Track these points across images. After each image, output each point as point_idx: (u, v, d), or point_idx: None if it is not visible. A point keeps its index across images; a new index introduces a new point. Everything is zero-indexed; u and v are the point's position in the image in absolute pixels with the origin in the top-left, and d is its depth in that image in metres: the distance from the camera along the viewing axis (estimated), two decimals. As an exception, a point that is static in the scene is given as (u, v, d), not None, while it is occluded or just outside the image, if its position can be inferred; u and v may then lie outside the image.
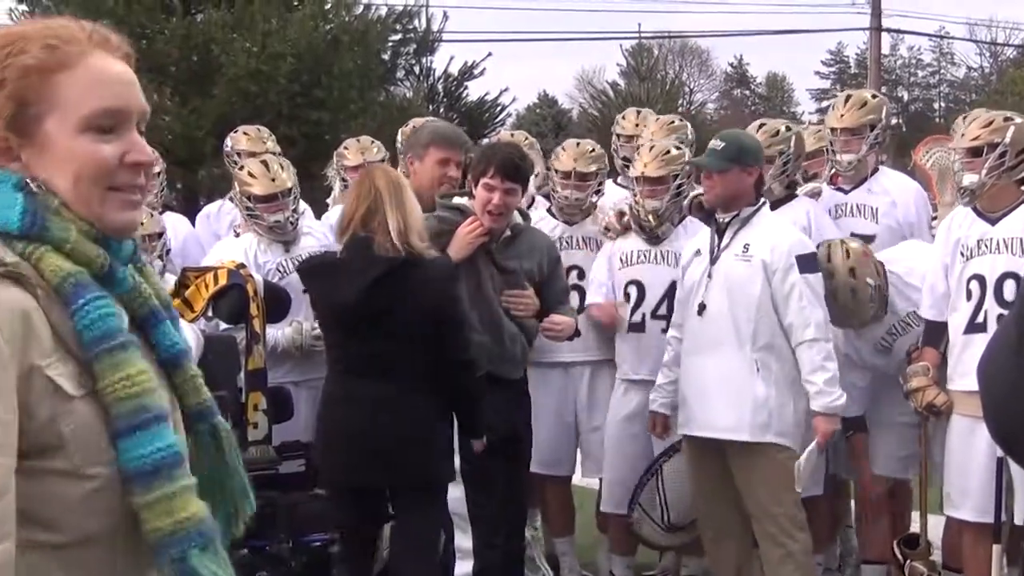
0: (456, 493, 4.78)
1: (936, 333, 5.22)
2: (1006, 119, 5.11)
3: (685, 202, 5.85)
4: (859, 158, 5.81)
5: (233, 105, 17.86)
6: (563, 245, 5.90)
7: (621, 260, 5.76)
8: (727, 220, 5.10)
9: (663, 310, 5.64)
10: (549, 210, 6.09)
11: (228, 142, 7.02)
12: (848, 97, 6.04)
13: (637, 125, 6.72)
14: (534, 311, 5.03)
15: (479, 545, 4.84)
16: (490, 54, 21.92)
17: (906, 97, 51.44)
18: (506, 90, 22.77)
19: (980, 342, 4.92)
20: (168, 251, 6.16)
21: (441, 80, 22.15)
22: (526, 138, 6.84)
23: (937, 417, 5.16)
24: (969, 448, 5.05)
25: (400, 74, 21.77)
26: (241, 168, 5.98)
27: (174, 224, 6.84)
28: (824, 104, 62.67)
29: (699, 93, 54.23)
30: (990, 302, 4.96)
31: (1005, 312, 4.91)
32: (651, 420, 5.43)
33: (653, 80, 33.34)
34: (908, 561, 5.32)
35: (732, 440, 5.04)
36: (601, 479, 5.99)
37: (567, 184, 5.92)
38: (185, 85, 18.41)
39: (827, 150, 6.01)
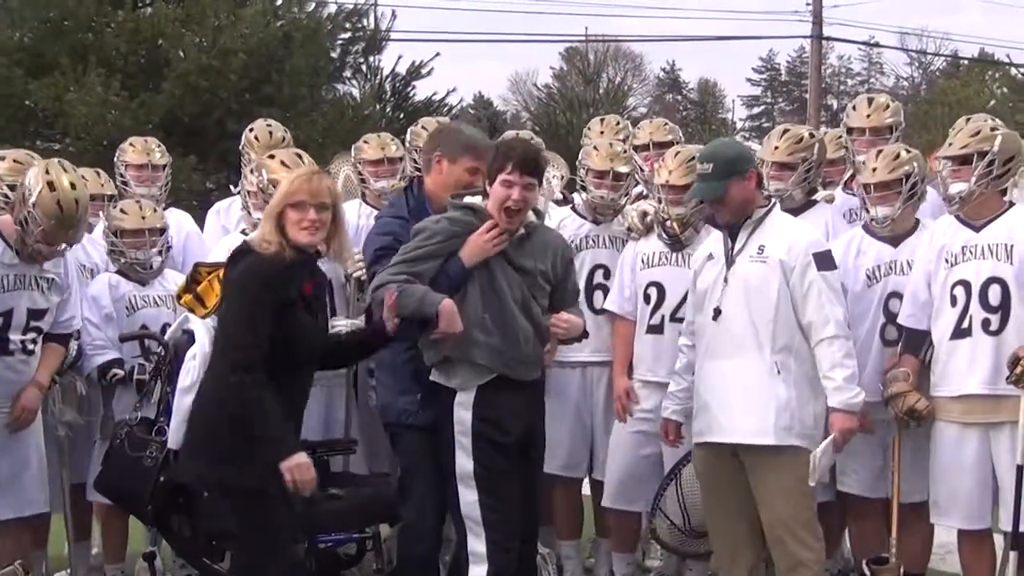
0: (469, 497, 4.71)
1: (916, 341, 5.27)
2: (993, 128, 5.21)
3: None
4: None
5: (182, 100, 17.72)
6: (589, 243, 5.90)
7: (643, 261, 5.74)
8: (740, 223, 5.02)
9: (682, 312, 5.58)
10: (574, 208, 6.06)
11: (118, 153, 6.99)
12: (871, 100, 6.16)
13: (603, 133, 6.67)
14: (577, 332, 4.97)
15: (493, 549, 4.69)
16: (438, 54, 21.95)
17: (836, 105, 52.00)
18: (454, 90, 22.83)
19: (966, 347, 5.07)
20: (169, 247, 6.16)
21: (389, 79, 22.14)
22: (532, 138, 6.88)
23: (919, 423, 5.18)
24: (957, 455, 5.10)
25: (348, 72, 21.72)
26: (271, 157, 5.92)
27: (178, 220, 6.80)
28: (756, 111, 63.57)
29: (632, 98, 54.45)
30: (975, 307, 5.05)
31: (990, 316, 5.03)
32: (663, 427, 5.35)
33: (594, 83, 33.59)
34: None
35: (752, 445, 4.93)
36: (593, 480, 6.04)
37: (602, 184, 5.90)
38: (133, 79, 18.17)
39: (847, 155, 6.11)
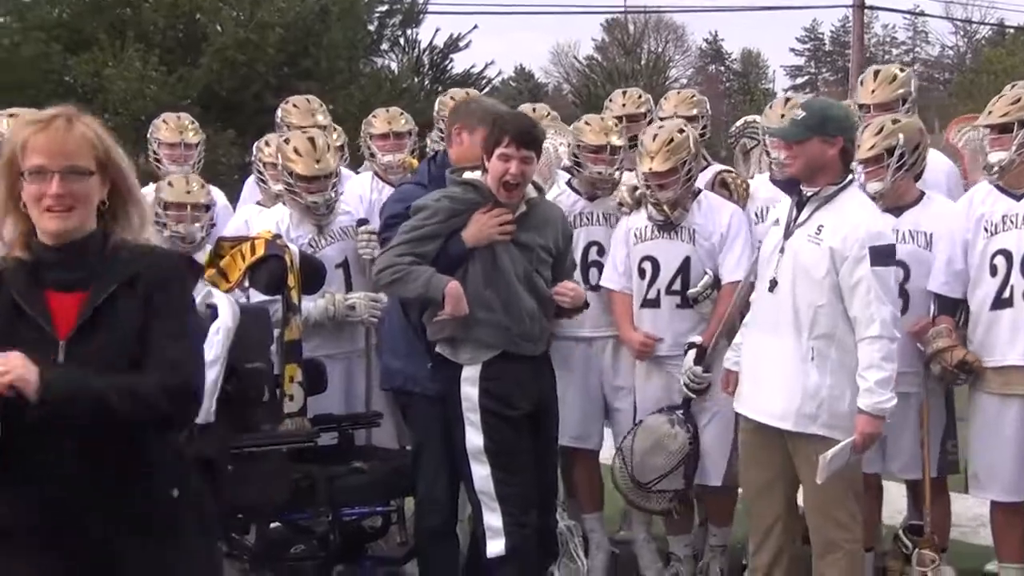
0: (482, 472, 4.69)
1: (950, 306, 5.19)
2: None
3: (705, 181, 5.79)
4: None
5: (220, 75, 17.79)
6: (583, 220, 5.82)
7: (636, 236, 5.65)
8: (808, 195, 4.76)
9: (677, 285, 5.54)
10: (569, 183, 5.96)
11: (279, 113, 6.87)
12: (877, 72, 5.93)
13: (624, 105, 6.50)
14: (582, 301, 4.95)
15: (509, 523, 4.67)
16: (476, 27, 21.95)
17: (880, 75, 51.45)
18: (492, 63, 22.90)
19: (1008, 318, 5.01)
20: (213, 225, 6.04)
21: (427, 52, 22.14)
22: (548, 113, 6.75)
23: (968, 375, 5.07)
24: (997, 427, 5.04)
25: (385, 46, 21.73)
26: (287, 141, 5.85)
27: None
28: (799, 81, 63.05)
29: (674, 69, 54.17)
30: (1016, 277, 4.97)
31: (1033, 286, 4.95)
32: (725, 378, 5.20)
33: (634, 54, 33.47)
34: (916, 549, 5.25)
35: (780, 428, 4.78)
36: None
37: (599, 159, 5.78)
38: (171, 54, 18.29)
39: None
